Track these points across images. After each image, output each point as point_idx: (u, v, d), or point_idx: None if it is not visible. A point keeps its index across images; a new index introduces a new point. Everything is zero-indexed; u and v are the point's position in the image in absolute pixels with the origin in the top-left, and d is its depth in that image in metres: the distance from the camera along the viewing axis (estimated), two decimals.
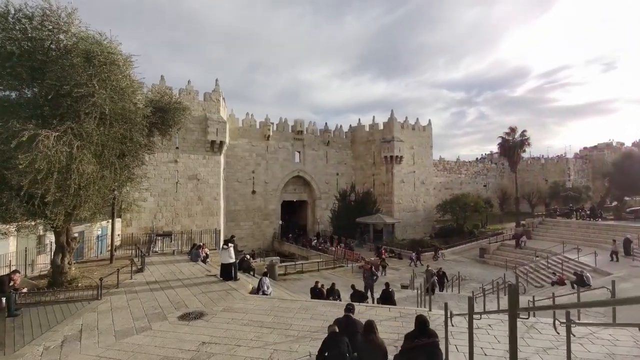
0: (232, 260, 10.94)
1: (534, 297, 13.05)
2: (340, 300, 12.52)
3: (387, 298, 10.43)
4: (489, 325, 7.83)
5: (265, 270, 11.27)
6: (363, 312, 8.64)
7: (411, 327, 7.90)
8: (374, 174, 46.14)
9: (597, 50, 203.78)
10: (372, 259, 27.78)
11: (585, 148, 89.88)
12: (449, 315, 6.16)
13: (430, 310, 8.82)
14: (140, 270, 12.99)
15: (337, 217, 44.81)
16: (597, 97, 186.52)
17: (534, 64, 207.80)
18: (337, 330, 4.48)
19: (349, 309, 5.46)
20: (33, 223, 10.26)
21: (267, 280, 10.94)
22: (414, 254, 29.76)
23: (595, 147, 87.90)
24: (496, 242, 32.59)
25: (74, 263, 15.21)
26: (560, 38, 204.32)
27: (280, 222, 42.32)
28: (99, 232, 23.73)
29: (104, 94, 8.85)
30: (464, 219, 46.84)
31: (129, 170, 11.88)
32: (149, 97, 12.27)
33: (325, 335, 4.95)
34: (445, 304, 6.19)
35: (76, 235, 11.64)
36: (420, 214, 47.26)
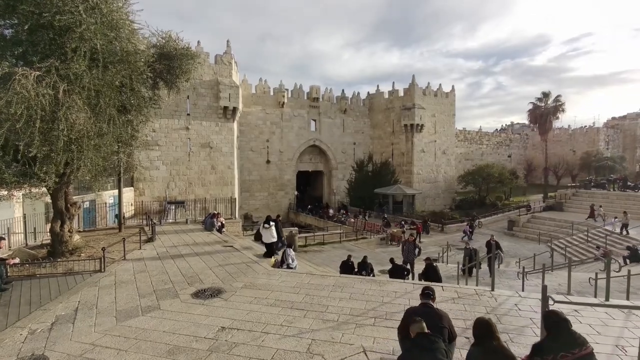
0: (274, 239, 9.82)
1: (596, 274, 11.38)
2: (374, 275, 11.13)
3: (431, 274, 8.95)
4: (576, 311, 6.26)
5: (264, 230, 9.99)
6: (411, 292, 7.16)
7: (477, 311, 6.43)
8: (393, 143, 43.89)
9: (626, 15, 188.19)
10: (395, 230, 26.36)
11: (613, 118, 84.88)
12: (550, 302, 4.54)
13: (492, 289, 7.26)
14: (151, 239, 11.79)
15: (354, 188, 43.29)
16: (622, 65, 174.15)
17: (556, 30, 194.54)
18: (426, 329, 2.93)
19: (428, 294, 3.83)
20: (25, 185, 8.91)
21: (291, 252, 9.57)
22: (467, 226, 27.79)
23: (624, 117, 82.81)
24: (526, 214, 30.59)
25: (81, 231, 14.20)
26: (585, 1, 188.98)
27: (296, 192, 41.07)
28: (111, 201, 22.85)
29: (93, 24, 7.12)
30: (486, 191, 44.75)
31: (132, 127, 10.34)
32: (152, 42, 10.46)
33: (392, 323, 3.43)
34: (544, 287, 4.57)
35: (77, 200, 10.38)
36: (441, 185, 45.21)
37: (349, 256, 12.04)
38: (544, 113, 39.24)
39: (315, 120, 41.55)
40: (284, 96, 38.51)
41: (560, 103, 38.86)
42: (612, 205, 28.35)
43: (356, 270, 11.22)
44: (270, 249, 9.79)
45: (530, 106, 40.67)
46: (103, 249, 8.26)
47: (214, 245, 11.53)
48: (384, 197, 39.66)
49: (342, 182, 43.72)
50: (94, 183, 10.26)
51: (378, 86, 45.78)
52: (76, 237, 11.05)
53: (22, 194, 11.17)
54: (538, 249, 23.22)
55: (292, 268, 9.38)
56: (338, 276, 8.15)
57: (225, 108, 29.95)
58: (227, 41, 30.71)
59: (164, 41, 10.49)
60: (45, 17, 6.90)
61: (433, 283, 8.25)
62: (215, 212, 14.95)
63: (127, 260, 9.40)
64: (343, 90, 43.16)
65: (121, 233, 12.92)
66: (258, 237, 15.63)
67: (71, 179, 9.44)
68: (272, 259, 9.77)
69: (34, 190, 9.33)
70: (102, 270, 8.31)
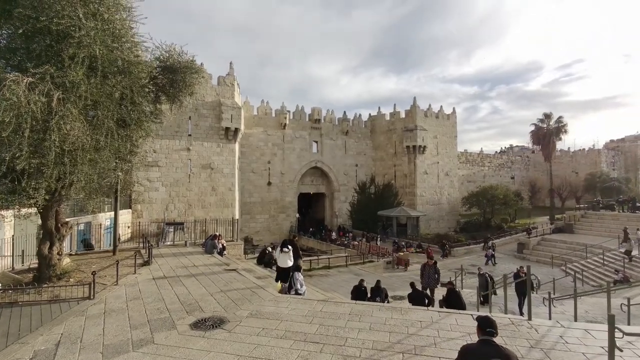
0: (291, 263, 9.01)
1: (628, 299, 10.51)
2: (388, 302, 10.24)
3: (454, 301, 8.10)
4: (630, 343, 5.45)
5: (282, 255, 9.09)
6: (437, 321, 6.34)
7: (519, 345, 5.58)
8: (395, 164, 43.53)
9: (616, 41, 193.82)
10: (401, 253, 25.40)
11: (612, 140, 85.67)
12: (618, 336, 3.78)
13: (530, 319, 6.45)
14: (147, 263, 10.95)
15: (357, 210, 42.53)
16: (614, 90, 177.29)
17: (548, 57, 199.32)
18: None
19: (490, 331, 3.01)
20: (13, 204, 8.22)
21: (300, 276, 8.75)
22: (490, 250, 26.92)
23: (622, 139, 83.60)
24: (536, 236, 29.68)
25: (73, 254, 13.35)
26: (575, 30, 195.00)
27: (297, 215, 40.21)
28: (107, 223, 22.03)
29: (93, 29, 6.70)
30: (491, 213, 43.92)
31: (131, 143, 9.78)
32: (155, 54, 10.10)
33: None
34: (611, 317, 3.82)
35: (68, 220, 9.66)
36: (445, 207, 44.45)
37: (361, 281, 11.15)
38: (546, 134, 39.11)
39: (317, 142, 41.36)
40: (285, 118, 38.48)
41: (562, 124, 38.84)
42: (623, 226, 27.52)
43: (369, 296, 10.36)
44: (286, 275, 8.99)
45: (532, 127, 40.65)
46: (93, 273, 7.46)
47: (215, 268, 10.69)
48: (387, 219, 38.86)
49: (345, 204, 42.97)
50: (88, 202, 9.56)
51: (379, 108, 46.01)
52: (66, 261, 10.25)
53: (13, 214, 10.51)
54: (552, 273, 22.22)
55: (301, 294, 8.53)
56: (354, 303, 7.32)
57: (227, 129, 29.71)
58: (230, 63, 30.94)
59: (167, 54, 10.13)
60: (43, 21, 6.48)
61: (457, 310, 7.42)
62: (217, 234, 14.17)
63: (119, 285, 8.56)
64: (345, 112, 43.26)
65: (116, 256, 12.08)
66: (261, 261, 14.82)
67: (63, 196, 8.75)
68: (279, 284, 8.94)
69: (22, 209, 8.65)
70: (92, 297, 7.48)
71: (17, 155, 6.12)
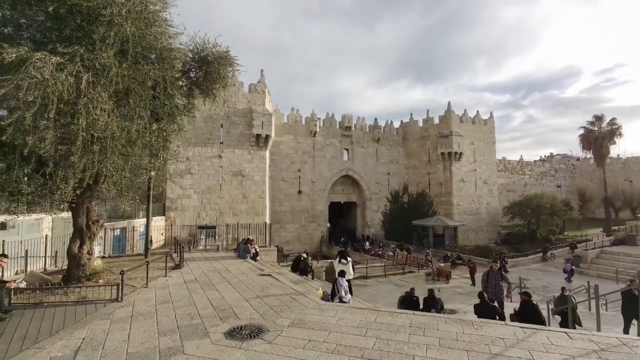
0: (351, 276, 8.27)
1: None
2: (444, 312, 8.93)
3: (530, 315, 6.72)
4: None
5: (341, 266, 8.14)
6: (524, 339, 5.08)
7: None
8: (429, 172, 41.63)
9: None
10: (442, 264, 23.62)
11: None
12: None
13: None
14: (178, 266, 10.35)
15: (389, 220, 40.86)
16: None
17: (586, 62, 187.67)
18: None
19: None
20: (45, 200, 7.85)
21: (344, 282, 7.73)
22: (569, 264, 23.25)
23: None
24: (593, 248, 26.80)
25: (105, 257, 13.08)
26: (614, 32, 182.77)
27: (328, 224, 39.15)
28: (142, 229, 22.09)
29: (124, 6, 6.22)
30: (537, 224, 40.66)
31: (163, 137, 9.31)
32: (189, 47, 9.66)
33: None
34: None
35: (99, 219, 9.24)
36: (484, 217, 41.74)
37: (412, 289, 9.92)
38: (598, 138, 35.91)
39: (347, 150, 40.44)
40: (316, 125, 37.93)
41: (616, 126, 35.58)
42: None
43: (421, 307, 9.10)
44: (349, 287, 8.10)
45: (582, 131, 37.53)
46: (121, 273, 6.83)
47: (248, 273, 9.88)
48: (423, 229, 36.89)
49: (377, 213, 41.46)
50: (120, 199, 9.10)
51: (411, 114, 44.57)
52: (97, 261, 9.82)
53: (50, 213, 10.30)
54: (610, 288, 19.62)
55: (345, 302, 7.50)
56: (412, 314, 6.18)
57: (258, 136, 29.50)
58: (261, 70, 30.97)
59: (202, 45, 9.66)
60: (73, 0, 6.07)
61: (546, 327, 6.08)
62: (250, 238, 13.45)
63: (149, 288, 7.92)
64: (376, 119, 42.21)
65: (147, 259, 11.59)
66: (296, 268, 13.89)
67: (94, 191, 8.32)
68: (320, 291, 7.95)
69: (55, 208, 8.31)
70: (120, 299, 6.84)
71: (42, 140, 5.62)
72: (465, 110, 41.36)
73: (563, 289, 9.71)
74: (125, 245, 19.57)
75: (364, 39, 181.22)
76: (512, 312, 7.44)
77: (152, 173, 10.96)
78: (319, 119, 38.79)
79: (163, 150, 9.47)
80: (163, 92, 8.41)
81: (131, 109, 7.42)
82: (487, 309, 6.65)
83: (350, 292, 7.60)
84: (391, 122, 43.74)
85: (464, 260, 28.72)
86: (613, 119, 36.15)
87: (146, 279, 8.08)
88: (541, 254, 27.92)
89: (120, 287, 6.82)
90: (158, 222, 24.45)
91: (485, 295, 7.12)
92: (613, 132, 35.64)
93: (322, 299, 7.62)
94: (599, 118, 36.56)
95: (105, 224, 18.31)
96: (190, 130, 27.78)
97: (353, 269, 8.59)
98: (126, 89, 7.29)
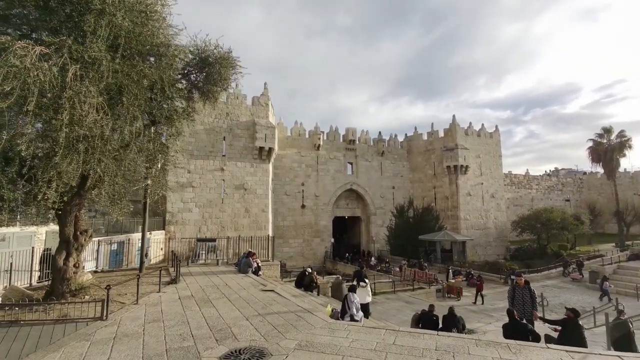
0: (370, 299, 7.70)
1: None
2: (466, 332, 8.05)
3: (574, 337, 5.85)
4: None
5: (360, 290, 7.49)
6: None
7: None
8: (435, 186, 40.84)
9: None
10: (453, 281, 22.57)
11: None
12: None
13: None
14: (174, 281, 9.58)
15: (395, 235, 39.79)
16: None
17: (586, 78, 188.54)
18: None
19: None
20: (30, 207, 7.22)
21: (356, 298, 6.95)
22: (606, 282, 20.89)
23: None
24: (610, 264, 25.69)
25: (97, 272, 12.33)
26: (613, 49, 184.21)
27: (332, 240, 38.15)
28: (140, 244, 21.35)
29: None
30: (547, 239, 39.43)
31: (160, 142, 8.75)
32: (189, 48, 9.22)
33: None
34: None
35: (88, 229, 8.56)
36: (492, 232, 40.60)
37: (432, 306, 9.06)
38: (608, 150, 35.16)
39: (351, 164, 39.83)
40: (319, 138, 37.50)
41: (625, 138, 34.85)
42: None
43: (440, 326, 8.24)
44: (365, 311, 7.45)
45: (590, 143, 36.85)
46: (107, 288, 6.10)
47: (250, 289, 9.09)
48: (430, 244, 35.83)
49: (382, 228, 40.45)
50: (111, 208, 8.46)
51: (416, 128, 44.16)
52: (87, 276, 9.10)
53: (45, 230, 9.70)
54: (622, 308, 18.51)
55: (357, 320, 6.69)
56: (436, 335, 5.39)
57: (261, 149, 29.03)
58: (265, 83, 30.82)
59: (202, 47, 9.21)
60: None
61: (585, 349, 5.25)
62: (251, 251, 12.67)
63: (139, 305, 7.16)
64: (380, 133, 41.73)
65: (142, 274, 10.84)
66: (300, 284, 13.05)
67: (83, 199, 7.68)
68: (329, 308, 7.16)
69: (40, 214, 7.66)
70: (104, 317, 6.09)
71: (20, 136, 5.04)
72: (470, 123, 40.94)
73: (620, 312, 8.29)
74: (122, 260, 18.80)
75: (365, 56, 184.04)
76: (553, 329, 6.55)
77: (149, 181, 10.38)
78: (323, 132, 38.41)
79: (160, 156, 8.88)
80: (160, 93, 7.90)
81: (124, 109, 6.87)
82: (518, 329, 5.82)
83: (367, 315, 6.86)
84: (395, 136, 43.30)
85: (474, 276, 27.67)
86: (622, 131, 35.52)
87: (136, 295, 7.33)
88: (561, 269, 26.80)
89: (105, 303, 6.09)
90: (157, 236, 23.72)
91: (515, 312, 6.29)
92: (623, 144, 34.92)
93: (331, 317, 6.83)
94: (607, 130, 35.93)
95: (102, 238, 17.73)
96: (192, 143, 27.48)
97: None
98: (119, 87, 6.77)
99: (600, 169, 39.91)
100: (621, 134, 35.38)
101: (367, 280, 7.80)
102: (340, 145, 39.51)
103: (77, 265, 7.85)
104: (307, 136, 37.90)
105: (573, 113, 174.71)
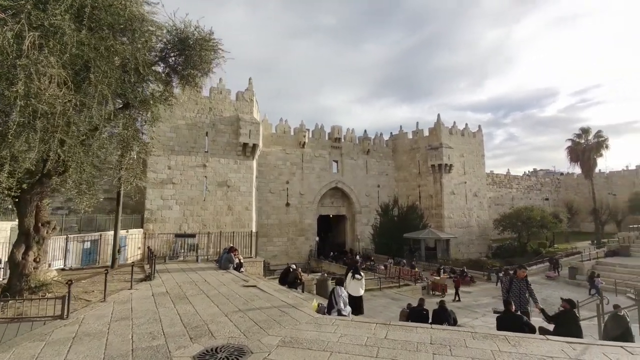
0: (362, 292, 7.28)
1: None
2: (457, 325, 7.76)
3: (570, 324, 5.65)
4: None
5: (355, 282, 7.16)
6: (578, 358, 4.01)
7: None
8: (420, 185, 41.03)
9: (632, 65, 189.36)
10: (438, 278, 22.55)
11: None
12: None
13: None
14: (148, 278, 8.94)
15: (380, 233, 39.73)
16: (634, 115, 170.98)
17: (563, 82, 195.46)
18: None
19: None
20: None
21: (343, 292, 6.56)
22: (598, 278, 20.64)
23: None
24: (589, 260, 26.30)
25: (65, 269, 11.52)
26: (589, 55, 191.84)
27: (317, 238, 37.74)
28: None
29: None
30: (527, 237, 40.26)
31: (135, 128, 8.12)
32: (167, 27, 8.60)
33: None
34: None
35: (51, 220, 7.83)
36: (474, 230, 41.11)
37: (422, 300, 8.78)
38: (585, 150, 36.13)
39: (337, 162, 39.52)
40: (304, 136, 37.02)
41: (602, 139, 35.90)
42: None
43: (430, 321, 7.95)
44: (358, 305, 7.11)
45: (569, 143, 37.80)
46: (69, 283, 5.49)
47: (230, 285, 8.56)
48: (414, 242, 35.92)
49: (367, 227, 40.31)
50: (79, 199, 7.76)
51: (401, 127, 44.29)
52: (52, 273, 8.37)
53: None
54: (619, 302, 18.91)
55: (344, 315, 6.30)
56: (430, 328, 5.05)
57: (245, 145, 28.29)
58: (249, 79, 30.09)
59: (182, 27, 8.62)
60: None
61: (586, 340, 5.02)
62: (233, 247, 12.10)
63: (107, 302, 6.54)
64: (365, 131, 41.61)
65: (114, 270, 10.13)
66: (284, 281, 12.59)
67: (45, 187, 6.99)
68: (315, 303, 6.74)
69: None
70: (65, 316, 5.47)
71: None
72: (454, 123, 41.34)
73: (616, 306, 8.03)
74: (96, 258, 17.84)
75: (350, 57, 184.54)
76: (548, 317, 6.30)
77: (122, 172, 9.67)
78: (308, 130, 37.95)
79: (135, 143, 8.24)
80: (134, 74, 7.29)
81: (92, 87, 6.25)
82: (514, 321, 5.56)
83: (362, 311, 6.54)
84: (381, 135, 43.28)
85: (457, 273, 27.80)
86: (599, 131, 36.61)
87: (104, 292, 6.70)
88: (542, 266, 27.25)
89: (66, 301, 5.47)
90: (135, 234, 22.71)
91: (512, 304, 6.02)
92: (600, 144, 35.97)
93: (318, 312, 6.41)
94: (585, 131, 36.95)
95: (74, 235, 16.74)
96: (173, 138, 26.52)
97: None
98: (86, 62, 6.15)
99: (577, 169, 41.07)
100: (598, 135, 36.45)
101: (362, 274, 7.49)
102: (325, 143, 39.13)
103: (37, 260, 7.14)
104: (292, 133, 37.34)
105: (551, 116, 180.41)
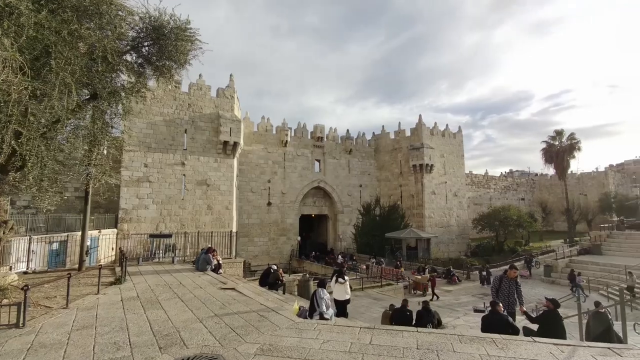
0: (349, 296, 7.00)
1: None
2: (441, 328, 7.65)
3: (554, 329, 5.58)
4: None
5: (339, 286, 6.93)
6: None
7: None
8: (401, 185, 41.34)
9: (601, 73, 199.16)
10: (419, 276, 22.66)
11: (611, 165, 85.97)
12: None
13: None
14: (118, 281, 8.39)
15: (361, 233, 39.80)
16: (603, 119, 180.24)
17: (537, 87, 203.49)
18: None
19: None
20: None
21: (326, 294, 6.29)
22: (579, 276, 21.10)
23: (621, 164, 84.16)
24: (563, 258, 27.14)
25: (28, 273, 10.75)
26: (562, 61, 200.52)
27: (298, 238, 37.38)
28: (88, 243, 19.33)
29: None
30: (504, 236, 41.34)
31: (103, 121, 7.57)
32: (140, 12, 8.06)
33: None
34: None
35: (9, 220, 7.18)
36: (454, 229, 41.80)
37: (405, 301, 8.61)
38: (559, 152, 37.37)
39: (319, 161, 39.29)
40: (287, 135, 36.57)
41: (575, 141, 37.24)
42: None
43: (414, 322, 7.80)
44: (343, 308, 6.85)
45: (544, 145, 39.01)
46: (24, 289, 4.97)
47: (207, 287, 8.13)
48: (396, 242, 36.14)
49: (349, 226, 40.28)
50: (40, 197, 7.15)
51: (383, 127, 44.56)
52: (11, 277, 7.70)
53: None
54: (592, 298, 19.55)
55: (327, 318, 6.03)
56: (416, 332, 4.85)
57: (226, 143, 27.61)
58: (231, 75, 29.42)
59: (156, 15, 8.11)
60: None
61: (573, 341, 4.95)
62: (211, 247, 11.60)
63: (69, 309, 6.02)
64: (348, 130, 41.55)
65: (81, 273, 9.48)
66: (264, 282, 12.23)
67: (1, 182, 6.38)
68: (296, 306, 6.44)
69: None
70: (21, 324, 4.95)
71: None
72: (435, 123, 41.90)
73: (597, 304, 7.98)
74: (65, 261, 16.88)
75: (333, 58, 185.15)
76: (534, 317, 6.24)
77: (93, 169, 9.05)
78: (290, 128, 37.53)
79: (103, 136, 7.68)
80: (102, 62, 6.78)
81: (53, 74, 5.73)
82: (498, 321, 5.44)
83: (346, 314, 6.30)
84: (363, 134, 43.35)
85: (439, 272, 28.10)
86: (572, 134, 37.94)
87: (66, 298, 6.17)
88: (524, 261, 27.99)
89: (21, 308, 4.95)
90: (108, 235, 21.70)
91: (500, 305, 5.91)
92: (572, 146, 37.28)
93: (299, 315, 6.11)
94: (559, 133, 38.22)
95: (39, 236, 15.78)
96: (149, 135, 25.54)
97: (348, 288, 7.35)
98: (46, 46, 5.63)
99: (551, 170, 42.43)
100: (571, 137, 37.77)
101: (346, 277, 7.24)
102: (308, 142, 38.82)
103: None
104: (274, 132, 36.81)
105: (525, 120, 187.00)
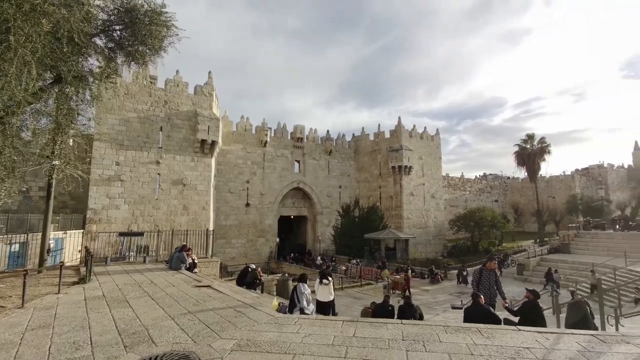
0: (332, 297, 6.90)
1: None
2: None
3: (536, 320, 5.56)
4: None
5: (323, 287, 6.73)
6: (553, 348, 3.84)
7: None
8: (381, 186, 41.70)
9: (567, 82, 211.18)
10: (397, 276, 22.77)
11: (577, 170, 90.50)
12: None
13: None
14: (82, 280, 7.80)
15: (340, 234, 39.73)
16: (570, 126, 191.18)
17: (508, 94, 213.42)
18: None
19: None
20: None
21: (306, 289, 6.05)
22: (556, 273, 22.48)
23: (586, 168, 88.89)
24: (534, 257, 28.07)
25: None
26: (531, 70, 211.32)
27: (277, 239, 36.87)
28: (52, 245, 18.16)
29: None
30: (479, 236, 42.50)
31: (68, 107, 7.04)
32: None
33: None
34: None
35: None
36: (431, 230, 42.52)
37: (387, 297, 8.48)
38: (531, 155, 38.84)
39: (299, 162, 39.02)
40: (266, 135, 36.10)
41: (545, 145, 38.82)
42: (619, 245, 26.56)
43: (396, 316, 7.67)
44: (327, 310, 6.62)
45: (517, 148, 40.42)
46: None
47: (181, 286, 7.69)
48: (375, 243, 36.31)
49: (328, 228, 40.13)
50: None
51: (363, 128, 44.95)
52: None
53: None
54: (567, 296, 20.31)
55: (307, 314, 5.79)
56: (400, 323, 4.69)
57: (203, 141, 26.88)
58: (209, 72, 28.69)
59: None
60: None
61: (557, 329, 4.95)
62: (185, 245, 11.09)
63: (25, 309, 5.47)
64: (328, 131, 41.57)
65: (42, 274, 8.78)
66: (241, 282, 11.82)
67: None
68: (275, 301, 6.17)
69: None
70: None
71: None
72: (414, 126, 42.57)
73: (573, 293, 8.21)
74: (25, 263, 15.80)
75: (313, 61, 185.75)
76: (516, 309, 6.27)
77: (56, 162, 8.41)
78: (270, 128, 37.10)
79: (68, 124, 7.14)
80: (68, 42, 6.29)
81: (12, 51, 5.23)
82: (481, 314, 5.40)
83: (335, 313, 6.11)
84: (343, 136, 43.49)
85: (416, 272, 28.41)
86: (542, 138, 39.56)
87: (22, 297, 5.62)
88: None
89: None
90: (75, 236, 20.52)
91: (481, 297, 5.88)
92: (543, 149, 38.86)
93: (278, 311, 5.84)
94: (530, 137, 39.76)
95: (1, 237, 14.72)
96: (122, 132, 24.48)
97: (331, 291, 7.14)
98: (5, 20, 5.13)
99: (523, 173, 43.98)
100: (542, 141, 39.39)
101: (330, 279, 7.04)
102: (287, 142, 38.49)
103: None
104: (253, 132, 36.28)
105: (498, 125, 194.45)
